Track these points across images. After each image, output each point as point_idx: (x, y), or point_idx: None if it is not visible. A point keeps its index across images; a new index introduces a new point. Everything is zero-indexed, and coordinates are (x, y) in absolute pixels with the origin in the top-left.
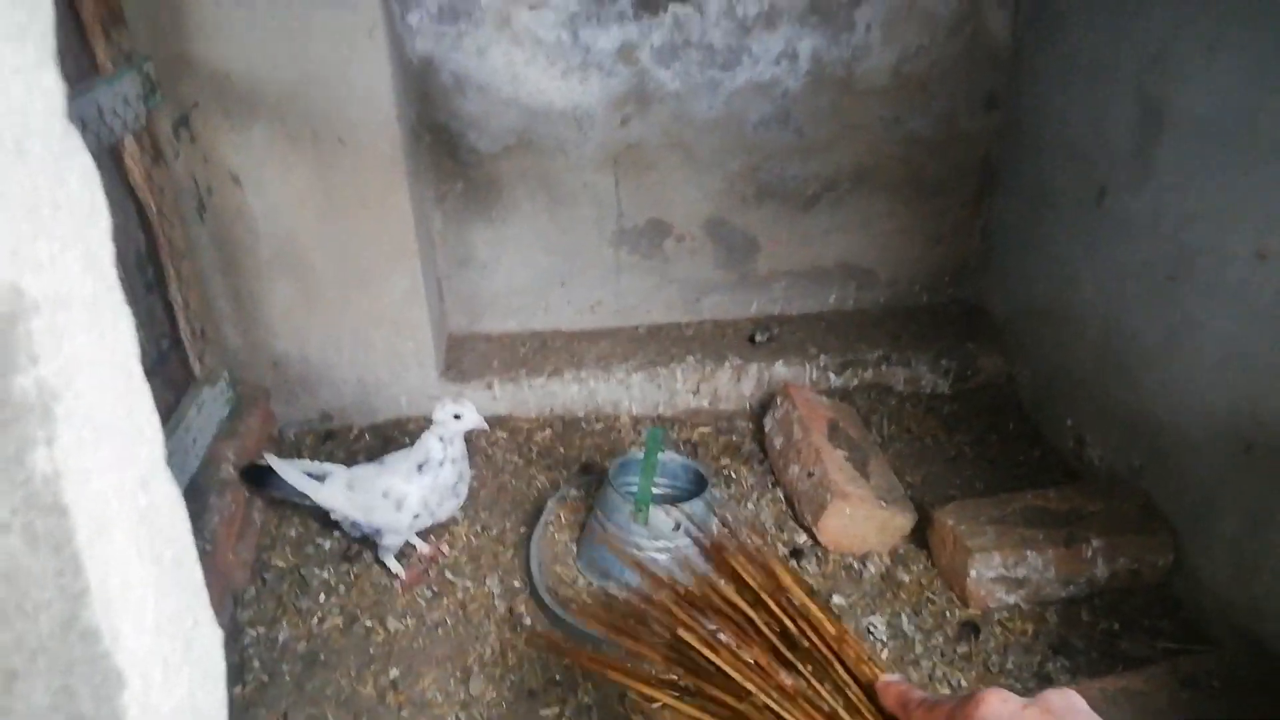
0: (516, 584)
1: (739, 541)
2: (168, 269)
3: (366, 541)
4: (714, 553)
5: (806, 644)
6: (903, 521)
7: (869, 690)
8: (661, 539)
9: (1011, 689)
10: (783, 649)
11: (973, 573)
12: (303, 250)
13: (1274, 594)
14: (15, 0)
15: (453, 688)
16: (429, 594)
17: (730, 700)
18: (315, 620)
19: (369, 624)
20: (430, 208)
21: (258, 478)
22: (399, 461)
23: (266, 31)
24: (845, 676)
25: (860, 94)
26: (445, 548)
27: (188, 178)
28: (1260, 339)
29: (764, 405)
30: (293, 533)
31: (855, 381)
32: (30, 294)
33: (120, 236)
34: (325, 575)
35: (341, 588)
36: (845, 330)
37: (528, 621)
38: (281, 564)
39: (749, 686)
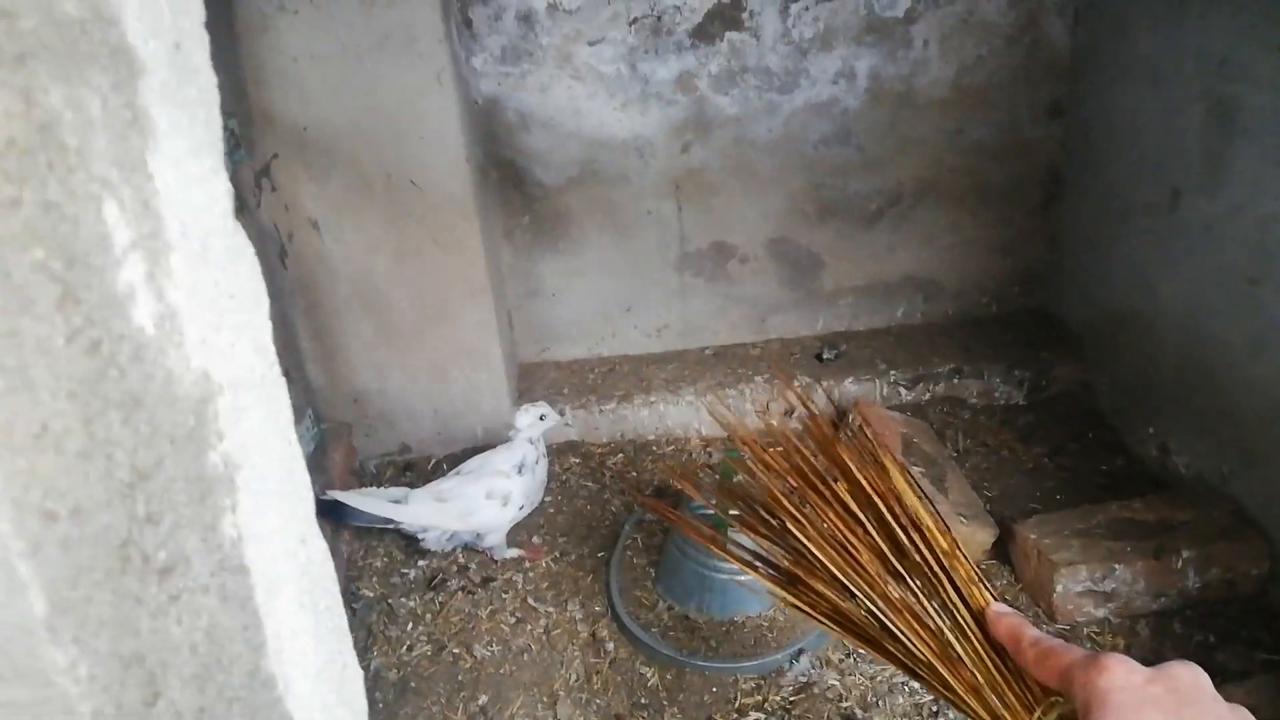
0: (598, 608)
1: (854, 434)
2: None
3: (451, 568)
4: (826, 445)
5: (916, 557)
6: (984, 537)
7: (977, 617)
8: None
9: None
10: (892, 558)
11: (1059, 587)
12: (379, 289)
13: None
14: (195, 119)
15: (540, 712)
16: (512, 620)
17: (834, 597)
18: (405, 649)
19: (456, 651)
20: (499, 241)
21: (331, 510)
22: (490, 464)
23: (341, 85)
24: (954, 597)
25: (920, 108)
26: (538, 540)
27: (270, 225)
28: None
29: (835, 423)
30: (378, 563)
31: (927, 396)
32: (216, 378)
33: None
34: (412, 604)
35: (428, 616)
36: (914, 344)
37: (610, 646)
38: (369, 594)
39: (855, 590)
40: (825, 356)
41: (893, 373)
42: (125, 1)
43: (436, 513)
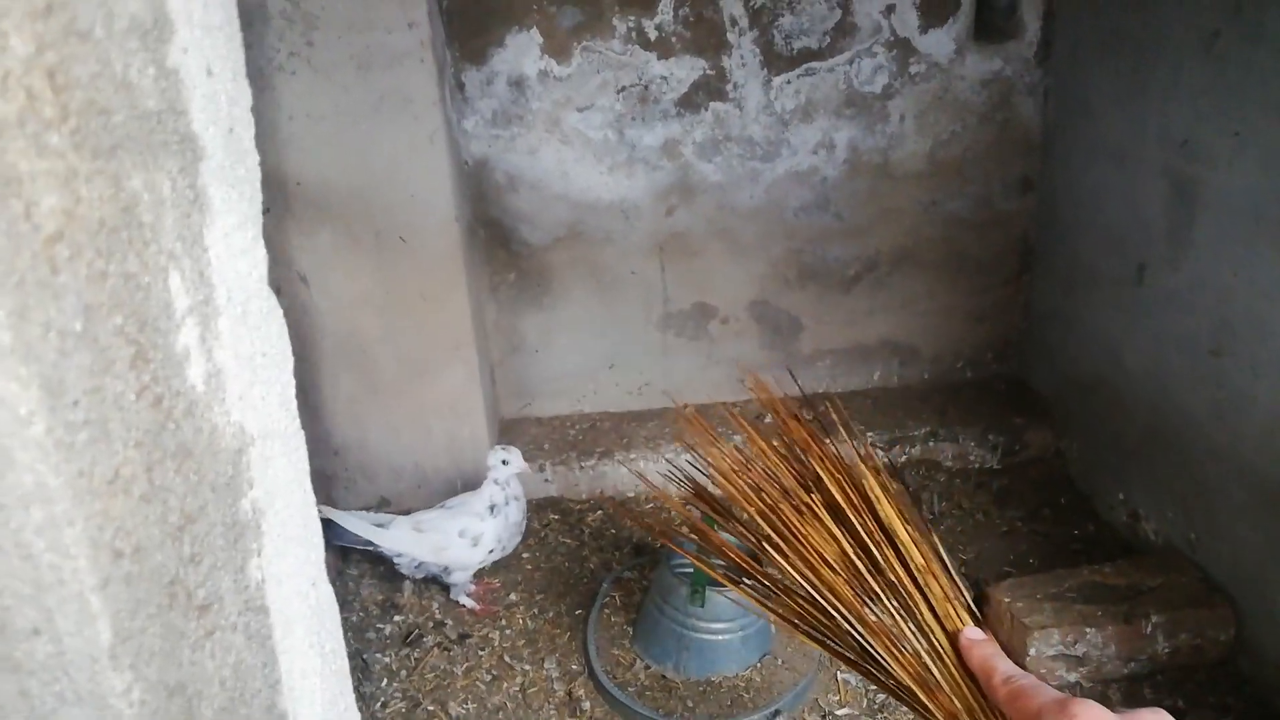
0: (574, 667)
1: (824, 443)
2: None
3: (427, 624)
4: (806, 445)
5: (891, 575)
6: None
7: (954, 639)
8: (719, 620)
9: None
10: (867, 576)
11: (1032, 650)
12: (365, 344)
13: None
14: (243, 195)
15: None
16: (488, 678)
17: (809, 611)
18: (379, 705)
19: (431, 708)
20: (485, 298)
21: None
22: (468, 504)
23: (336, 144)
24: (930, 617)
25: (897, 179)
26: (496, 582)
27: None
28: None
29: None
30: (354, 618)
31: (903, 458)
32: (249, 430)
33: None
34: (387, 660)
35: (403, 672)
36: (891, 407)
37: (586, 706)
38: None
39: (834, 613)
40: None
41: (870, 434)
42: (193, 93)
43: (413, 542)
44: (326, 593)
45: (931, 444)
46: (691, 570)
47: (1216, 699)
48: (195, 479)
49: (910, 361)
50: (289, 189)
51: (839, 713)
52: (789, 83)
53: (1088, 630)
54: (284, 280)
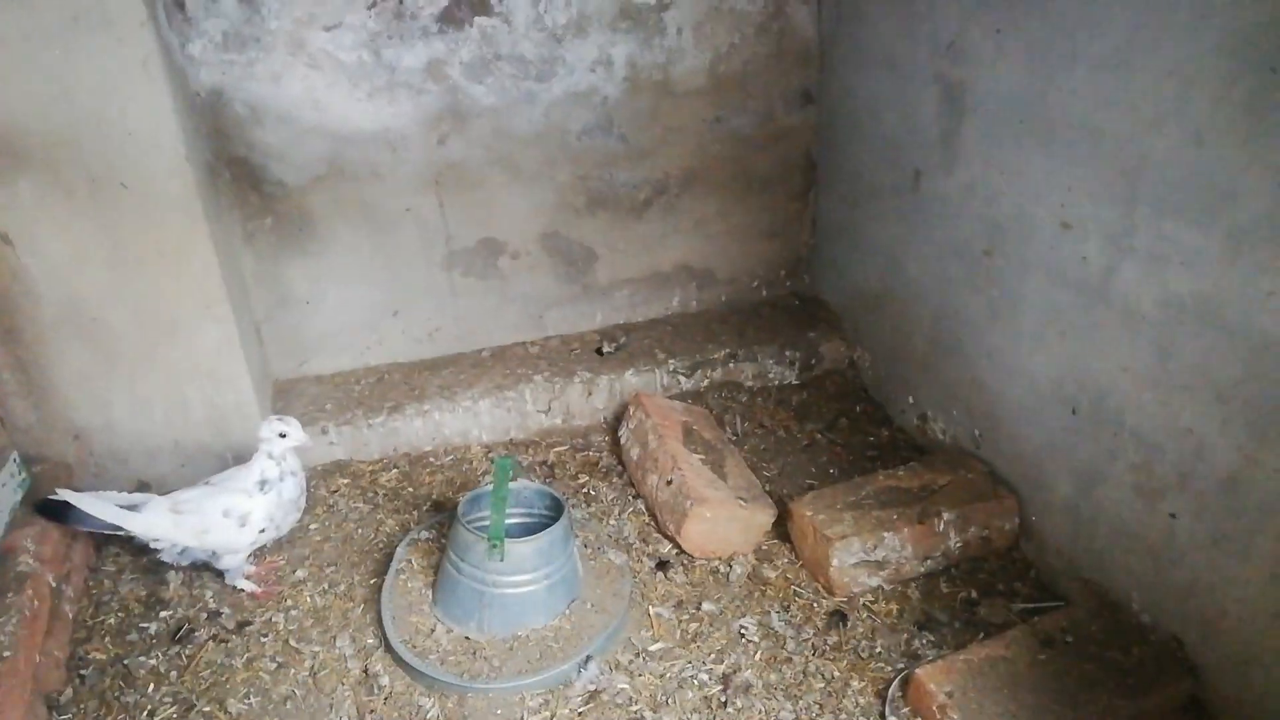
0: (370, 641)
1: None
2: None
3: (200, 616)
4: None
5: None
6: (764, 519)
7: None
8: (521, 573)
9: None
10: None
11: (835, 561)
12: (94, 309)
13: (1111, 547)
14: None
15: None
16: (273, 666)
17: None
18: (145, 715)
19: (208, 709)
20: (239, 247)
21: (57, 513)
22: (235, 480)
23: (22, 73)
24: None
25: (680, 96)
26: (281, 560)
27: None
28: (1071, 305)
29: (618, 417)
30: (112, 620)
31: (705, 382)
32: None
33: None
34: (153, 662)
35: (173, 674)
36: (691, 332)
37: (385, 681)
38: (102, 656)
39: None
40: (605, 350)
41: (672, 362)
42: None
43: (171, 526)
44: None
45: (732, 366)
46: (488, 524)
47: (1005, 585)
48: None
49: (707, 285)
50: None
51: (652, 648)
52: None
53: (885, 535)
54: None
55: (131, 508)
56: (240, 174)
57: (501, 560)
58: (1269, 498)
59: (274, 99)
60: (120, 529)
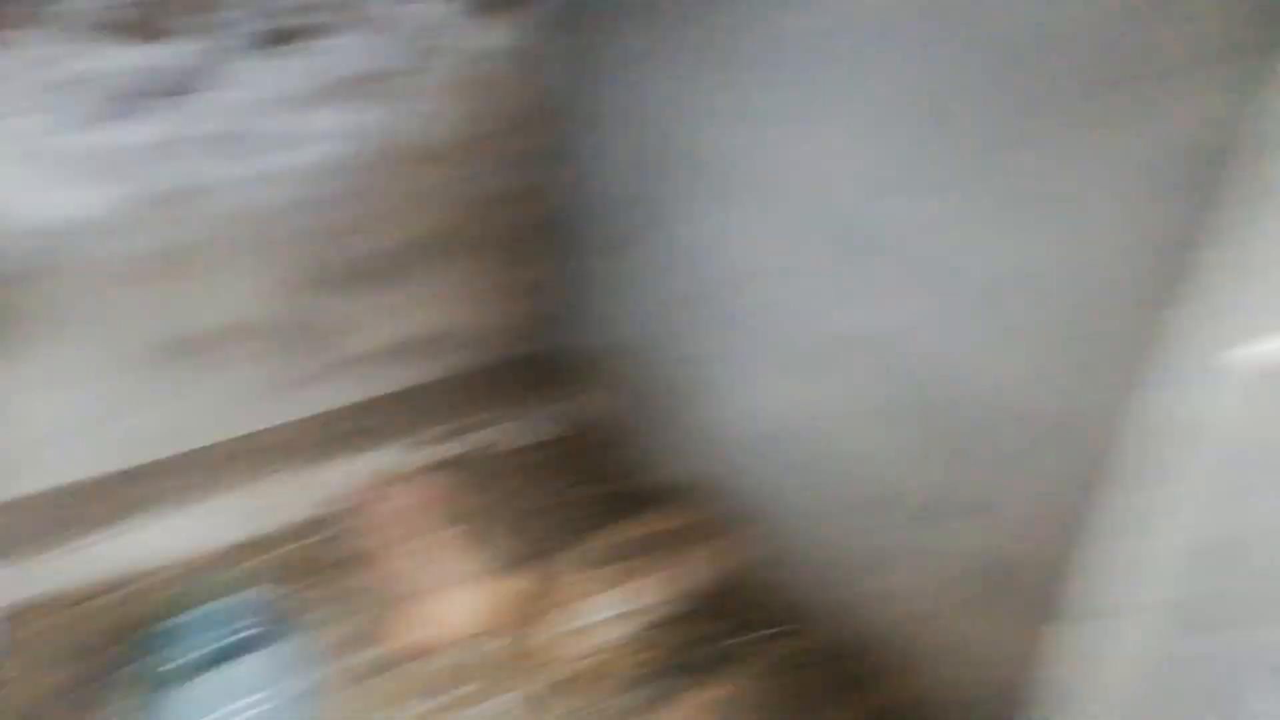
0: None
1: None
2: None
3: None
4: None
5: None
6: (512, 590)
7: None
8: (221, 708)
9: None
10: None
11: (582, 620)
12: None
13: (834, 566)
14: None
15: None
16: None
17: None
18: None
19: None
20: None
21: None
22: None
23: None
24: None
25: (423, 160)
26: None
27: None
28: (787, 343)
29: (360, 503)
30: None
31: (458, 449)
32: None
33: None
34: None
35: None
36: (441, 399)
37: None
38: None
39: None
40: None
41: (424, 433)
42: None
43: None
44: None
45: (483, 431)
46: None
47: (747, 616)
48: None
49: (456, 349)
50: None
51: None
52: (279, 66)
53: (625, 588)
54: None
55: None
56: None
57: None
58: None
59: None
60: None
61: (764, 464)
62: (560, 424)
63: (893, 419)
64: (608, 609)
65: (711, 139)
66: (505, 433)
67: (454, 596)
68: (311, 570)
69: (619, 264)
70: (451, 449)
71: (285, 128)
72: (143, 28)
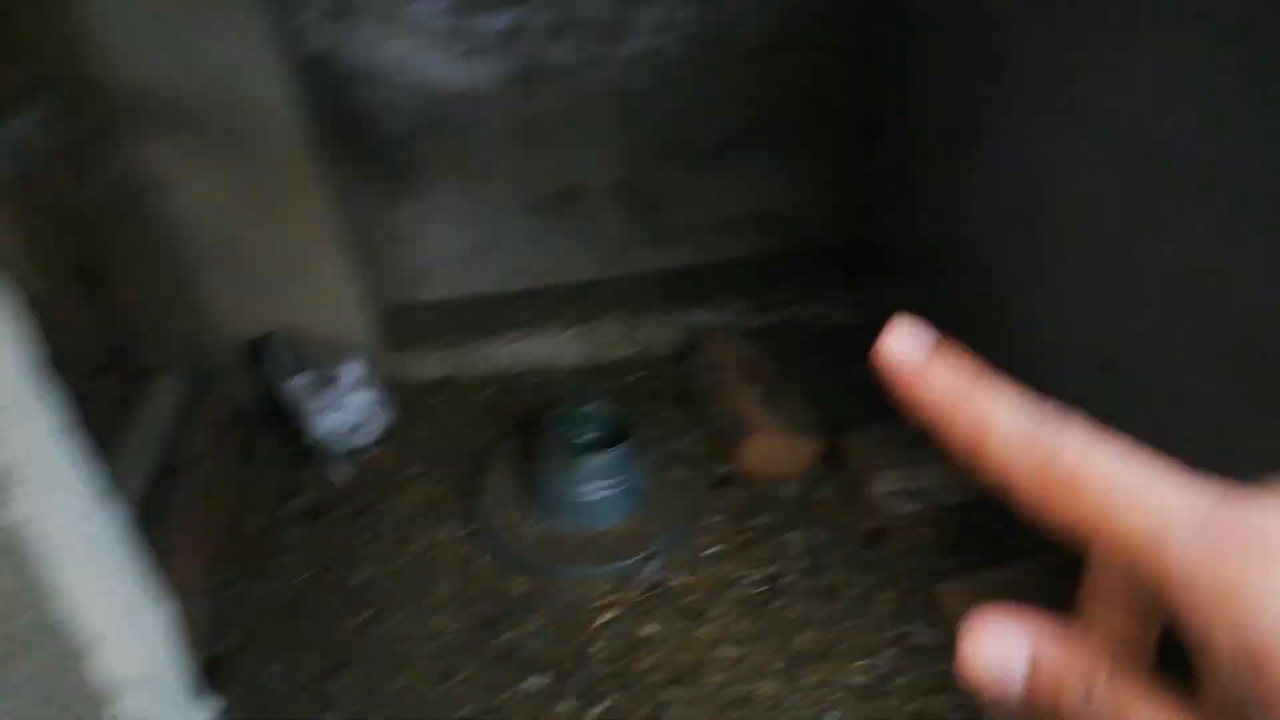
0: (468, 530)
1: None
2: (106, 273)
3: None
4: None
5: None
6: (813, 448)
7: None
8: (594, 480)
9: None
10: None
11: (875, 487)
12: (232, 246)
13: None
14: None
15: (420, 622)
16: (391, 543)
17: None
18: (290, 575)
19: (341, 574)
20: (352, 192)
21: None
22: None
23: (165, 47)
24: None
25: (743, 54)
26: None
27: (109, 189)
28: (1105, 271)
29: (689, 350)
30: (265, 496)
31: (768, 321)
32: None
33: (57, 252)
34: (298, 531)
35: (311, 544)
36: (756, 275)
37: (481, 562)
38: (257, 525)
39: None
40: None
41: (738, 302)
42: None
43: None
44: (108, 517)
45: (794, 307)
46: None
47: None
48: None
49: (772, 231)
50: (126, 97)
51: (706, 553)
52: None
53: (923, 467)
54: (137, 188)
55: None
56: (347, 130)
57: (579, 469)
58: None
59: (374, 62)
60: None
61: (1067, 380)
62: (865, 311)
63: (1232, 365)
64: (894, 484)
65: (1038, 54)
66: (812, 312)
67: (759, 442)
68: (653, 396)
69: (937, 168)
70: (762, 319)
71: (620, 18)
72: None
